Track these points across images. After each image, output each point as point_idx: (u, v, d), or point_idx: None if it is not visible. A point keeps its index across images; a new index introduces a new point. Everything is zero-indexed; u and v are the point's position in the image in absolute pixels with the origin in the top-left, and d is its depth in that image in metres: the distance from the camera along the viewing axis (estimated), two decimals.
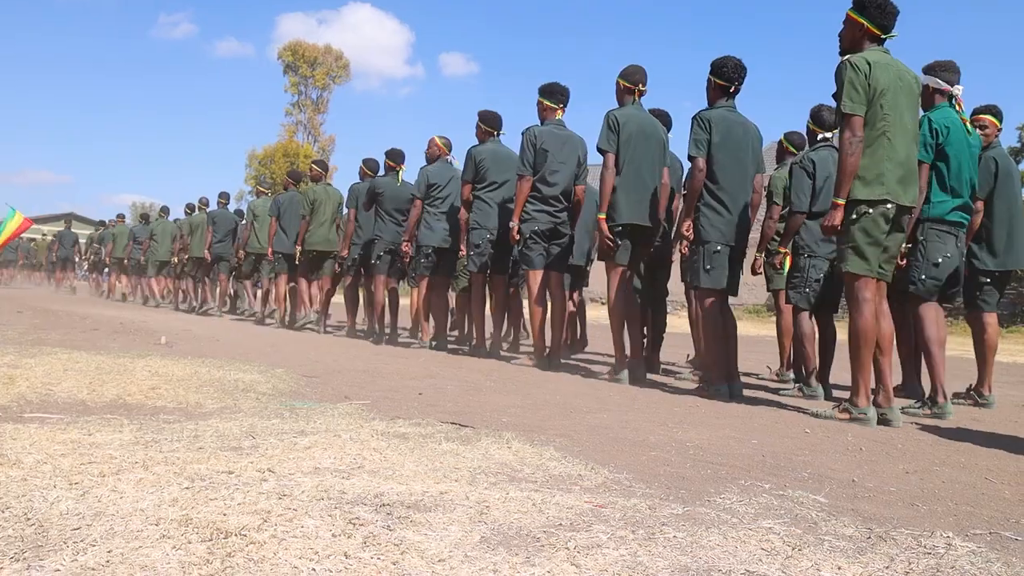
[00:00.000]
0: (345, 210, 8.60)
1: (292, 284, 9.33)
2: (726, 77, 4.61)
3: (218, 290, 12.39)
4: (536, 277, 5.71)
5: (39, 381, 3.48)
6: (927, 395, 4.35)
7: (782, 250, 5.08)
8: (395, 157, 7.69)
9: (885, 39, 3.78)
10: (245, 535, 1.50)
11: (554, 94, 5.80)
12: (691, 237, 4.57)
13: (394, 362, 5.51)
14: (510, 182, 6.09)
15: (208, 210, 12.03)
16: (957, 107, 4.34)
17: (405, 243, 7.07)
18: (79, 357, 4.36)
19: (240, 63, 74.34)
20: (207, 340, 6.46)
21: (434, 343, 6.86)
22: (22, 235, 22.35)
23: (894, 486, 2.42)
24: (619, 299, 5.07)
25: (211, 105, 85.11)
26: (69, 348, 4.85)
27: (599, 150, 5.09)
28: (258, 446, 2.34)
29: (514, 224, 5.62)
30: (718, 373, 4.54)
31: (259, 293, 10.92)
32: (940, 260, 4.29)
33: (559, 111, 5.79)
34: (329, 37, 77.98)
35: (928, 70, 4.38)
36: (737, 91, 4.66)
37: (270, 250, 9.39)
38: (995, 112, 4.87)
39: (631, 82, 5.20)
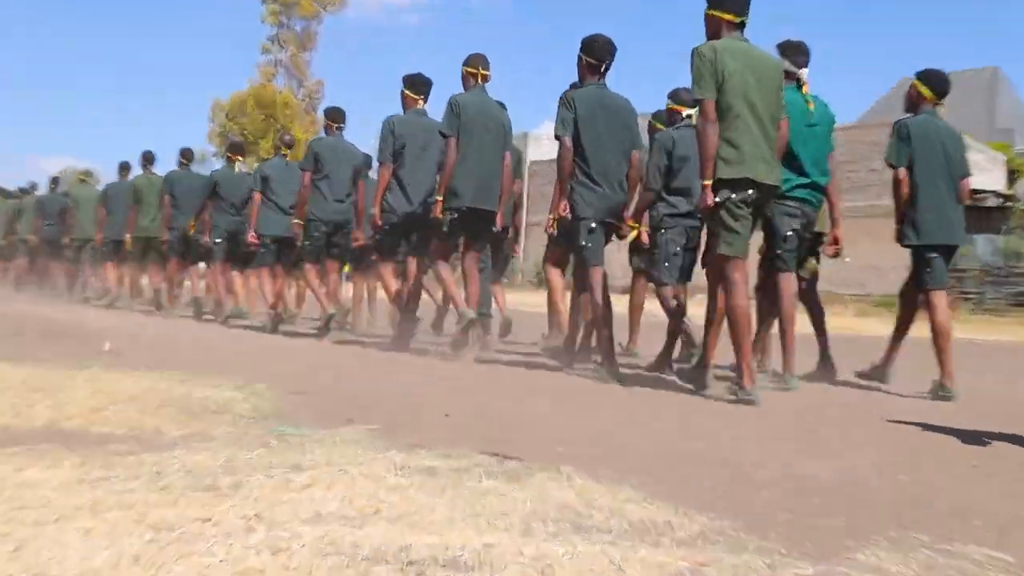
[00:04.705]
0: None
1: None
2: (596, 55, 5.59)
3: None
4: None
5: None
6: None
7: (630, 223, 5.93)
8: (235, 149, 10.56)
9: (740, 23, 4.69)
10: None
11: (416, 85, 7.20)
12: (567, 215, 5.50)
13: (399, 373, 5.51)
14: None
15: (37, 194, 15.85)
16: (804, 89, 5.39)
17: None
18: None
19: None
20: (163, 347, 6.50)
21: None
22: None
23: None
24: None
25: (167, 43, 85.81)
26: None
27: (441, 134, 6.27)
28: (241, 485, 2.30)
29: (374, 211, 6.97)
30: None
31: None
32: (788, 234, 5.31)
33: (420, 101, 7.21)
34: None
35: (780, 52, 5.30)
36: (607, 69, 5.66)
37: (99, 236, 12.28)
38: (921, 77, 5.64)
39: (472, 67, 6.43)
